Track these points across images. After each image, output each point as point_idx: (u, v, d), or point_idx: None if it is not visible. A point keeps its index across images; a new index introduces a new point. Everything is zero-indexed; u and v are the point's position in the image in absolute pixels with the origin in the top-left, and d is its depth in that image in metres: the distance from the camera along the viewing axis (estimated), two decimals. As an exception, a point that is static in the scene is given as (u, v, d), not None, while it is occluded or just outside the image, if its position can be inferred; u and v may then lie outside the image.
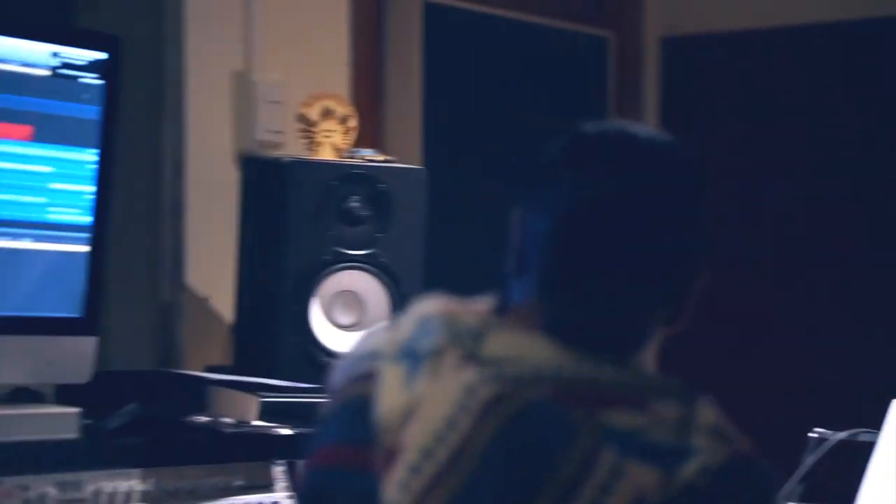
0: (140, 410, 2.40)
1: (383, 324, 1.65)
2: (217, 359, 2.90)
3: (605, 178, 1.55)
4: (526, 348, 1.52)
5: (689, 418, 1.48)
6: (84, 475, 2.30)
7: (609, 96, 3.74)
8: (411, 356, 1.55)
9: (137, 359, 2.88)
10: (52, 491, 2.26)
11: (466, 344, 1.52)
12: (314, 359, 2.74)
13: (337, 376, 1.65)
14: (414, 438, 1.51)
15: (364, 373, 1.59)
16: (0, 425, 2.24)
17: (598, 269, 1.55)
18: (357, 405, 1.58)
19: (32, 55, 2.34)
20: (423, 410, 1.51)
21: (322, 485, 1.60)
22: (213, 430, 2.49)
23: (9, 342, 2.35)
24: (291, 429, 2.53)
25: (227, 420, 2.53)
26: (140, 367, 2.84)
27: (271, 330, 2.74)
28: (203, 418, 2.52)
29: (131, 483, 2.35)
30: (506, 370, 1.49)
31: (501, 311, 1.57)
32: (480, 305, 1.58)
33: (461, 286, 1.64)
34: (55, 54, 2.36)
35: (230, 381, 2.54)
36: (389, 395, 1.54)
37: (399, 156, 2.92)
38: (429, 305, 1.59)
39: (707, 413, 1.49)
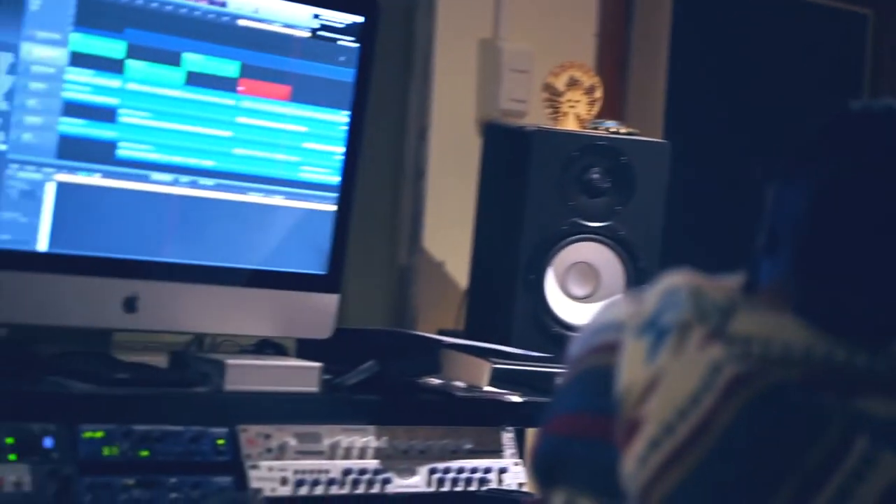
0: (377, 368, 2.46)
1: (625, 295, 1.65)
2: (449, 323, 2.94)
3: (870, 156, 1.53)
4: (775, 328, 1.50)
5: None
6: (322, 428, 2.37)
7: (864, 75, 3.65)
8: (656, 329, 1.54)
9: (372, 319, 2.94)
10: (291, 441, 2.33)
11: (713, 320, 1.51)
12: (547, 328, 2.76)
13: (577, 346, 1.65)
14: (655, 412, 1.50)
15: (606, 343, 1.59)
16: (246, 375, 2.33)
17: (857, 250, 1.52)
18: (598, 375, 1.58)
19: (294, 16, 2.41)
20: (666, 385, 1.51)
21: (558, 452, 1.61)
22: (445, 393, 2.54)
23: (256, 295, 2.43)
24: (522, 396, 2.56)
25: (459, 383, 2.57)
26: (374, 326, 2.89)
27: (505, 297, 2.77)
28: (436, 380, 2.56)
29: (367, 439, 2.41)
30: (753, 349, 1.48)
31: (750, 289, 1.56)
32: (728, 282, 1.57)
33: (699, 263, 1.63)
34: (316, 16, 2.43)
35: (464, 346, 2.58)
36: (632, 368, 1.54)
37: (640, 127, 2.91)
38: (675, 279, 1.59)
39: None
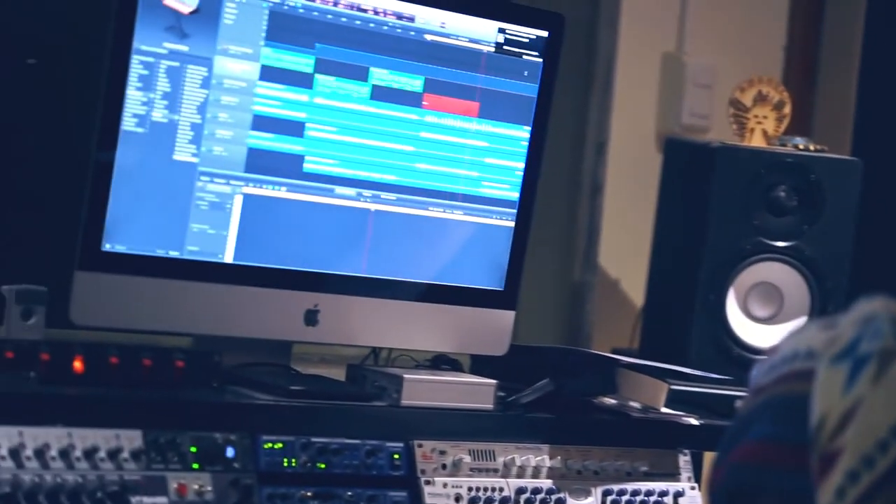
0: (552, 387, 2.45)
1: (814, 321, 1.62)
2: (624, 342, 2.92)
3: None
4: None
5: None
6: (497, 445, 2.37)
7: None
8: (853, 358, 1.51)
9: (545, 336, 2.93)
10: (466, 458, 2.34)
11: None
12: (727, 350, 2.72)
13: (763, 372, 1.63)
14: (853, 444, 1.47)
15: (797, 371, 1.56)
16: (423, 390, 2.34)
17: None
18: (789, 404, 1.55)
19: (479, 31, 2.41)
20: (864, 415, 1.47)
21: (743, 481, 1.59)
22: (621, 413, 2.52)
23: (434, 310, 2.44)
24: (699, 419, 2.53)
25: (635, 404, 2.54)
26: (547, 343, 2.89)
27: (683, 317, 2.73)
28: (611, 400, 2.54)
29: (541, 458, 2.41)
30: None
31: None
32: None
33: (892, 286, 1.59)
34: (501, 30, 2.43)
35: (640, 365, 2.56)
36: (827, 398, 1.51)
37: (829, 144, 2.85)
38: (873, 305, 1.55)
39: None
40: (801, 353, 1.57)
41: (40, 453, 1.94)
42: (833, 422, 1.49)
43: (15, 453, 1.91)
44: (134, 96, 2.12)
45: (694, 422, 2.52)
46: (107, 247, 2.14)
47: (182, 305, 2.21)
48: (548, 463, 2.41)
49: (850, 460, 1.47)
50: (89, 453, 1.97)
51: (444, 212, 2.43)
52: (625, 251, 2.96)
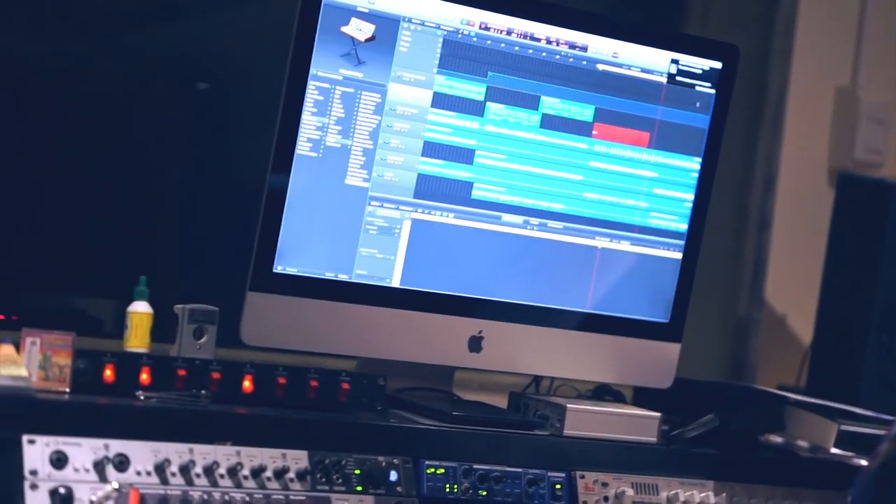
0: (717, 422, 2.44)
1: None
2: (790, 379, 2.88)
3: None
4: None
5: None
6: (660, 480, 2.36)
7: None
8: None
9: (708, 370, 2.91)
10: (629, 491, 2.33)
11: None
12: (898, 390, 2.68)
13: None
14: None
15: None
16: (586, 420, 2.34)
17: None
18: None
19: (652, 62, 2.42)
20: None
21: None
22: (788, 452, 2.49)
23: (598, 340, 2.44)
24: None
25: (802, 443, 2.51)
26: (710, 378, 2.87)
27: (854, 356, 2.70)
28: (778, 438, 2.51)
29: (705, 494, 2.39)
30: None
31: None
32: None
33: None
34: (674, 61, 2.43)
35: (809, 404, 2.53)
36: None
37: None
38: None
39: None
40: None
41: (209, 471, 1.98)
42: None
43: (185, 470, 1.96)
44: (309, 121, 2.17)
45: (865, 463, 2.47)
46: (278, 268, 2.19)
47: (349, 328, 2.24)
48: (712, 500, 2.39)
49: None
50: (256, 472, 2.02)
51: (611, 241, 2.44)
52: (792, 287, 2.93)
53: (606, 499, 2.31)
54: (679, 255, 2.48)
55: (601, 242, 2.43)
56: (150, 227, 2.68)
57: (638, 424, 2.39)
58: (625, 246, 2.45)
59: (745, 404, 2.53)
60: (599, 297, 2.44)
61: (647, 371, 2.50)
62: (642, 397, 2.55)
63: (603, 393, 2.55)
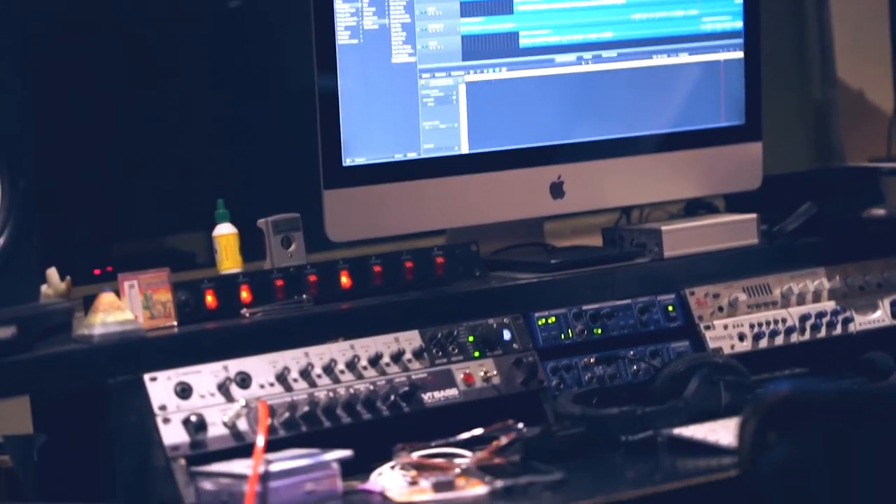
0: (815, 209, 2.45)
1: None
2: (879, 150, 2.88)
3: None
4: None
5: None
6: (770, 278, 2.39)
7: None
8: None
9: (797, 161, 2.92)
10: (742, 296, 2.36)
11: None
12: None
13: None
14: None
15: None
16: (684, 238, 2.37)
17: None
18: None
19: None
20: None
21: None
22: (893, 222, 2.49)
23: (678, 158, 2.46)
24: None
25: (905, 210, 2.52)
26: (799, 168, 2.87)
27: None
28: (880, 211, 2.52)
29: (818, 282, 2.42)
30: None
31: None
32: None
33: None
34: None
35: (905, 169, 2.53)
36: None
37: None
38: None
39: None
40: None
41: (329, 369, 2.05)
42: None
43: (305, 373, 2.03)
44: (342, 9, 2.19)
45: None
46: (347, 161, 2.23)
47: (429, 203, 2.29)
48: (827, 285, 2.42)
49: None
50: (374, 361, 2.08)
51: (669, 57, 2.45)
52: (862, 61, 2.91)
53: (721, 309, 2.34)
54: (741, 54, 2.48)
55: (659, 60, 2.44)
56: (218, 152, 2.74)
57: (736, 230, 2.42)
58: (684, 58, 2.45)
59: (840, 185, 2.54)
60: (670, 114, 2.45)
61: (734, 176, 2.51)
62: (736, 203, 2.57)
63: (695, 208, 2.57)
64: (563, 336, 2.23)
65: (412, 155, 2.28)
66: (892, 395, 1.47)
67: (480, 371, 2.14)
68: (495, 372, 2.15)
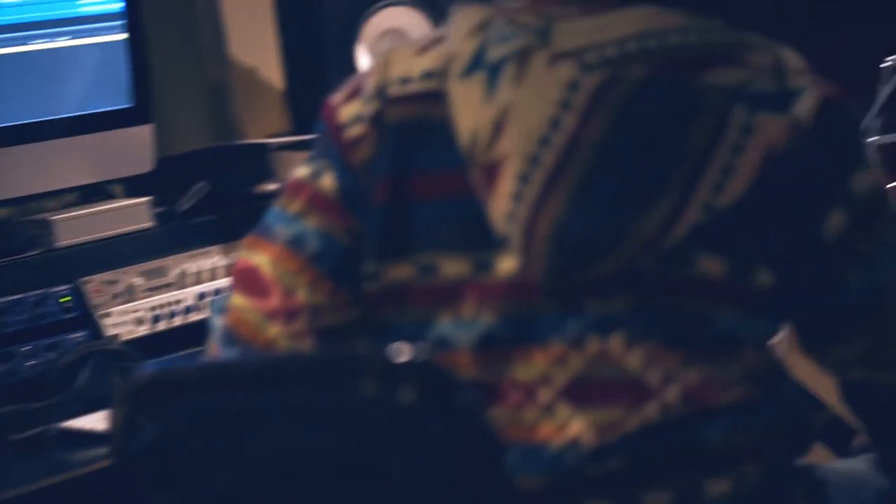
0: (208, 188, 2.51)
1: (401, 46, 1.60)
2: (276, 128, 2.97)
3: None
4: (597, 31, 1.50)
5: (781, 63, 1.51)
6: (166, 260, 2.42)
7: None
8: (484, 65, 1.51)
9: (196, 141, 2.96)
10: (138, 281, 2.38)
11: (544, 41, 1.50)
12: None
13: (367, 85, 1.58)
14: (514, 148, 1.49)
15: (421, 92, 1.55)
16: (76, 227, 2.36)
17: None
18: (417, 127, 1.55)
19: None
20: (517, 117, 1.49)
21: (402, 221, 1.57)
22: (282, 196, 2.58)
23: (67, 144, 2.45)
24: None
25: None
26: (199, 147, 2.92)
27: (322, 85, 2.80)
28: (271, 185, 2.61)
29: (213, 260, 2.48)
30: (608, 53, 1.48)
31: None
32: (513, 4, 1.56)
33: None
34: None
35: (291, 143, 2.63)
36: (470, 111, 1.51)
37: None
38: (476, 13, 1.55)
39: (793, 56, 1.53)
40: (419, 75, 1.55)
41: None
42: (484, 133, 1.49)
43: None
44: None
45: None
46: None
47: None
48: (222, 262, 2.48)
49: (515, 165, 1.48)
50: None
51: (50, 42, 2.42)
52: (252, 43, 2.98)
53: (117, 295, 2.35)
54: (124, 36, 2.49)
55: (39, 45, 2.41)
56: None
57: (128, 214, 2.43)
58: (65, 42, 2.44)
59: (232, 162, 2.61)
60: (57, 101, 2.43)
61: (125, 160, 2.52)
62: (134, 188, 2.58)
63: (92, 195, 2.56)
64: (-47, 336, 2.17)
65: None
66: (252, 362, 1.52)
67: None
68: None
